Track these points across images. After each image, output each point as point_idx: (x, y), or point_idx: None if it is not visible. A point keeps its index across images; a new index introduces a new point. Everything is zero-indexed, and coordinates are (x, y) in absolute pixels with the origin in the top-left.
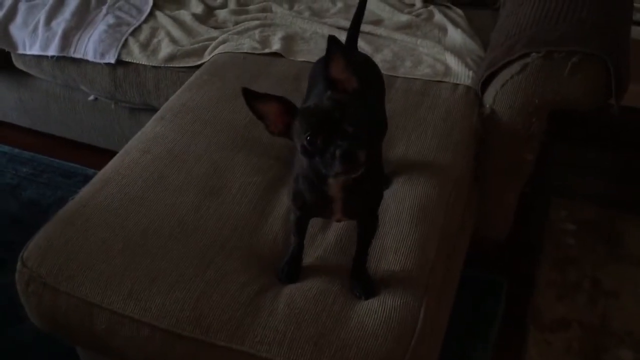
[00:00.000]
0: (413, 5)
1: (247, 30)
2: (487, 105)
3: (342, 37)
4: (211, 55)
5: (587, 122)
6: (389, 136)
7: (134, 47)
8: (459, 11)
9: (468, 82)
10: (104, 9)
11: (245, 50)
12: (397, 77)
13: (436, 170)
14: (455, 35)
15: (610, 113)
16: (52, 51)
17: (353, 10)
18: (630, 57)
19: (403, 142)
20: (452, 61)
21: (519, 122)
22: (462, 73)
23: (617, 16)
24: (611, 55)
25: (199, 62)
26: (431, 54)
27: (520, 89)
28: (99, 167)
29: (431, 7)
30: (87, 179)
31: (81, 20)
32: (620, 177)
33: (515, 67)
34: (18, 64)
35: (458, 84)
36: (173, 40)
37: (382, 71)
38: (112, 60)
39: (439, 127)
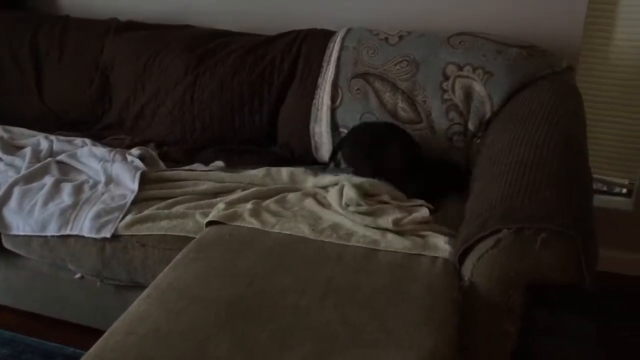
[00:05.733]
0: None
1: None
2: (466, 278)
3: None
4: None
5: (566, 290)
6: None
7: (130, 221)
8: None
9: (446, 255)
10: (99, 188)
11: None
12: (379, 250)
13: (418, 345)
14: None
15: (586, 286)
16: (50, 231)
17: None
18: (596, 231)
19: (385, 316)
20: (430, 234)
21: (498, 294)
22: (440, 246)
23: (579, 192)
24: (577, 230)
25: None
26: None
27: (496, 263)
28: (80, 344)
29: None
30: (66, 358)
31: (77, 200)
32: (603, 344)
33: (489, 242)
34: (7, 245)
35: (437, 257)
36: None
37: (363, 245)
38: (108, 235)
39: (420, 301)
